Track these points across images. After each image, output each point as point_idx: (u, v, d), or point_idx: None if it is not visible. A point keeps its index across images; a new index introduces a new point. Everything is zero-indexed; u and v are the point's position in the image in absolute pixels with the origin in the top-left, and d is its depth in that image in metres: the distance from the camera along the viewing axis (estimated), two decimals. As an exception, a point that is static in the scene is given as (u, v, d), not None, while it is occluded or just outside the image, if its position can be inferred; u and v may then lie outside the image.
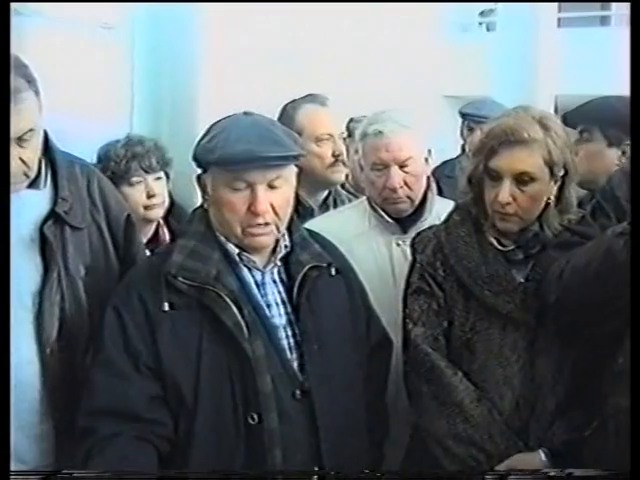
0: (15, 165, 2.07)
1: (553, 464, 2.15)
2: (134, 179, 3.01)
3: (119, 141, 3.07)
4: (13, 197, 2.13)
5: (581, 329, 2.16)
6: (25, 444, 2.17)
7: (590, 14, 10.74)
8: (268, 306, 2.14)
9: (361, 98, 6.85)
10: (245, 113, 2.16)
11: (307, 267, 2.16)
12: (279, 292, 2.17)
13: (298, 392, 2.09)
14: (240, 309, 2.06)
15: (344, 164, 3.12)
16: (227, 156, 2.04)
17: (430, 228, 2.45)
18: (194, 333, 2.06)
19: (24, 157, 2.09)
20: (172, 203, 3.24)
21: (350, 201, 3.10)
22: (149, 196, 3.02)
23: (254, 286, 2.14)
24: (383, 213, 2.71)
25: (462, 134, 4.87)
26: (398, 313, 2.41)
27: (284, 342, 2.13)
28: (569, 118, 2.84)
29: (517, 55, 7.20)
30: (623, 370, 1.92)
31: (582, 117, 2.86)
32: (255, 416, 2.04)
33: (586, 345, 2.17)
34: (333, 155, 3.05)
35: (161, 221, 3.18)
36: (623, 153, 2.87)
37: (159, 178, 3.09)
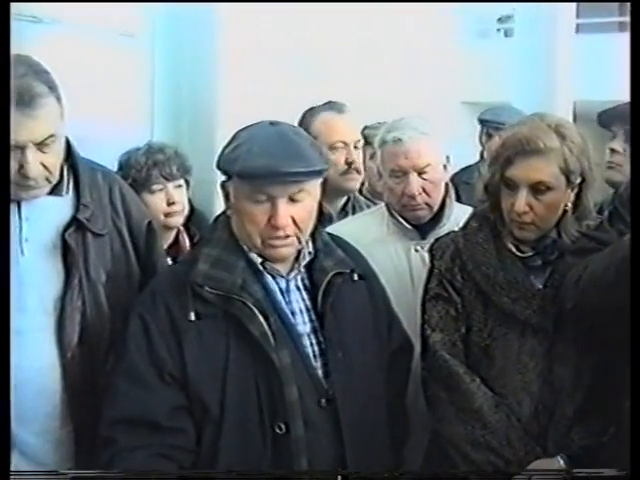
0: (37, 170, 2.08)
1: (571, 470, 2.14)
2: (155, 187, 3.03)
3: (140, 149, 3.09)
4: (35, 203, 2.17)
5: (599, 334, 2.16)
6: (46, 448, 2.18)
7: (608, 20, 10.69)
8: (292, 314, 2.14)
9: (379, 105, 6.87)
10: (271, 123, 2.14)
11: (331, 274, 2.16)
12: (303, 299, 2.17)
13: (323, 400, 2.10)
14: (266, 318, 2.06)
15: (358, 172, 3.13)
16: (248, 169, 2.03)
17: (448, 234, 2.45)
18: (220, 342, 2.06)
19: (46, 162, 2.10)
20: (192, 210, 3.26)
21: (369, 207, 3.12)
22: (169, 203, 3.04)
23: (279, 294, 2.14)
24: (401, 219, 2.73)
25: (481, 140, 4.87)
26: (416, 318, 2.42)
27: (309, 350, 2.13)
28: (603, 119, 2.85)
29: (535, 61, 7.18)
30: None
31: (618, 117, 2.87)
32: (282, 425, 2.04)
33: (604, 350, 2.18)
34: (346, 163, 3.06)
35: (181, 228, 3.20)
36: None
37: (179, 186, 3.11)
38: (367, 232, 2.70)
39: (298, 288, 2.17)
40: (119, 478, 1.93)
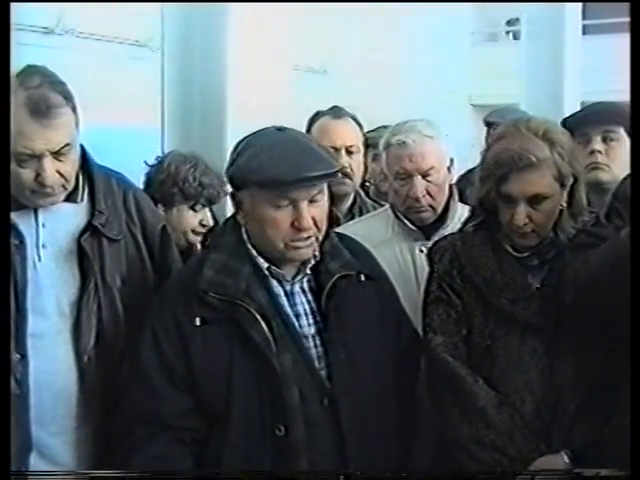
0: (53, 178, 2.12)
1: (576, 466, 2.17)
2: (198, 207, 3.06)
3: (192, 165, 3.07)
4: (51, 210, 2.21)
5: (597, 329, 2.18)
6: (63, 449, 2.22)
7: (615, 21, 10.68)
8: (297, 316, 2.17)
9: (389, 107, 6.90)
10: (278, 129, 2.17)
11: (335, 277, 2.19)
12: (308, 301, 2.20)
13: (326, 401, 2.13)
14: (269, 323, 2.09)
15: (348, 177, 3.16)
16: (274, 177, 2.05)
17: (446, 237, 2.48)
18: (225, 347, 2.11)
19: (62, 171, 2.14)
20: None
21: (375, 209, 3.15)
22: (201, 224, 3.08)
23: (283, 297, 2.18)
24: (406, 220, 2.77)
25: (487, 142, 4.88)
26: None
27: (313, 351, 2.16)
28: (571, 123, 2.88)
29: (543, 63, 7.19)
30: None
31: (603, 117, 2.91)
32: (282, 428, 2.08)
33: (603, 345, 2.20)
34: None
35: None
36: None
37: (212, 210, 3.16)
38: (373, 233, 2.73)
39: (303, 290, 2.20)
40: (129, 477, 1.97)
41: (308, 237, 2.13)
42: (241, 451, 2.09)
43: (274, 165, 2.06)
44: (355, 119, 3.36)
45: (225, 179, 3.06)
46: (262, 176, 2.06)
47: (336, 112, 3.29)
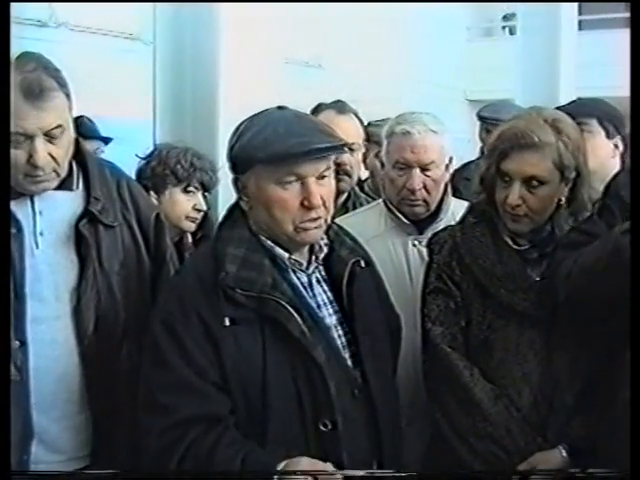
0: (45, 159, 2.12)
1: (573, 460, 2.17)
2: (190, 188, 3.06)
3: (183, 150, 3.10)
4: (48, 198, 2.22)
5: (592, 325, 2.18)
6: (64, 435, 2.22)
7: (611, 16, 10.69)
8: (318, 307, 2.11)
9: (385, 102, 6.89)
10: (279, 107, 2.10)
11: (350, 263, 2.14)
12: (324, 291, 2.14)
13: (356, 391, 2.08)
14: (301, 316, 2.01)
15: (347, 174, 3.15)
16: (281, 151, 1.98)
17: (445, 229, 2.48)
18: (257, 344, 2.01)
19: (54, 153, 2.14)
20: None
21: (369, 204, 3.13)
22: (195, 209, 3.08)
23: (302, 289, 2.10)
24: (399, 214, 2.75)
25: (480, 136, 4.88)
26: (415, 312, 2.45)
27: (337, 342, 2.10)
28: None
29: (539, 58, 7.20)
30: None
31: (578, 110, 2.90)
32: (328, 423, 2.01)
33: (597, 340, 2.20)
34: (335, 163, 3.06)
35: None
36: (616, 146, 2.99)
37: (206, 197, 3.15)
38: (366, 227, 2.70)
39: (318, 281, 2.14)
40: (122, 478, 1.96)
41: (317, 217, 2.04)
42: (282, 450, 1.97)
43: (280, 139, 1.99)
44: (357, 115, 3.35)
45: (217, 165, 3.09)
46: (269, 151, 1.99)
47: (340, 107, 3.27)
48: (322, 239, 2.14)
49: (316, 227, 2.06)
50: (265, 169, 2.01)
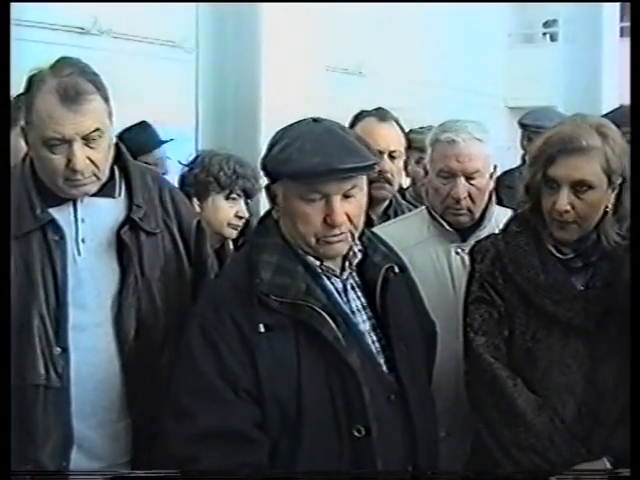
0: (84, 163, 2.13)
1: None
2: (233, 195, 3.08)
3: (226, 157, 3.12)
4: (90, 205, 2.24)
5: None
6: (103, 442, 2.23)
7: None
8: (352, 313, 2.11)
9: (423, 109, 6.88)
10: (314, 120, 2.10)
11: (384, 269, 2.14)
12: (358, 297, 2.14)
13: (392, 396, 2.08)
14: (335, 321, 2.02)
15: (388, 182, 3.14)
16: (303, 169, 1.98)
17: (488, 238, 2.45)
18: (291, 350, 2.02)
19: (93, 157, 2.15)
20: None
21: (410, 212, 3.12)
22: (237, 216, 3.09)
23: (336, 295, 2.11)
24: (442, 221, 2.73)
25: (522, 144, 4.84)
26: (457, 320, 2.43)
27: (372, 348, 2.10)
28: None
29: (581, 65, 7.16)
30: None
31: (622, 117, 2.87)
32: (362, 429, 2.01)
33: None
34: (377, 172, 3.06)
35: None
36: None
37: (247, 204, 3.16)
38: (408, 235, 2.71)
39: (352, 287, 2.14)
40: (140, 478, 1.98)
41: (341, 233, 2.04)
42: (317, 457, 2.00)
43: (305, 156, 1.98)
44: (398, 123, 3.33)
45: (260, 172, 3.10)
46: (292, 168, 1.99)
47: (381, 114, 3.27)
48: (356, 245, 2.13)
49: (340, 241, 2.06)
50: (291, 183, 2.03)
